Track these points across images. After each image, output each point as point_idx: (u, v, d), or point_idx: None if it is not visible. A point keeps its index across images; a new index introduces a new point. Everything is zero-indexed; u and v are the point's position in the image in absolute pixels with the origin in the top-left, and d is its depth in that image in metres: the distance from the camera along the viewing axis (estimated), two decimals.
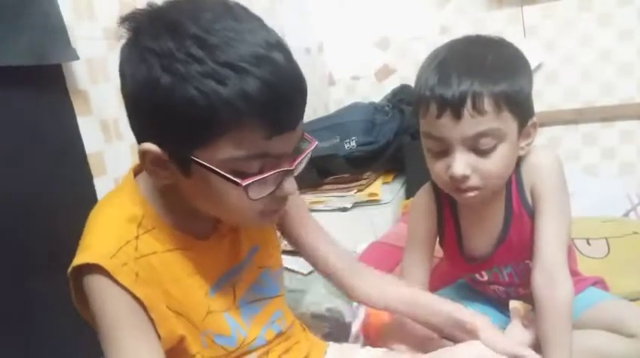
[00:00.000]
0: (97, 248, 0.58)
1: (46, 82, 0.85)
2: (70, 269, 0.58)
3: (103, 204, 0.65)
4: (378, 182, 1.69)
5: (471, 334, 0.76)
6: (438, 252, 0.99)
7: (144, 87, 0.54)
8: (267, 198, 0.59)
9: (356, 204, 1.60)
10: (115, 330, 0.58)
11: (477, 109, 0.74)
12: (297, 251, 0.86)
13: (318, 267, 0.85)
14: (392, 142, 1.69)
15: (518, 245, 0.87)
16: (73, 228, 0.62)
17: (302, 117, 0.59)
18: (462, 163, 0.77)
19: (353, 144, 1.63)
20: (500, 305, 0.98)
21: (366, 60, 2.11)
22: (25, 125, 0.81)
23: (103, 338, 0.58)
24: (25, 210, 0.79)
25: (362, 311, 1.05)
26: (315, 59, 2.09)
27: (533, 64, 1.26)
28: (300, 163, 0.62)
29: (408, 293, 0.84)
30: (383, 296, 0.84)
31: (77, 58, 0.87)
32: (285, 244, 0.87)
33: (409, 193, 1.69)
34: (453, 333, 0.79)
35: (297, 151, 0.62)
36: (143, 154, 0.58)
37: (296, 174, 0.62)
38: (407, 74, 2.02)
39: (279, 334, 0.78)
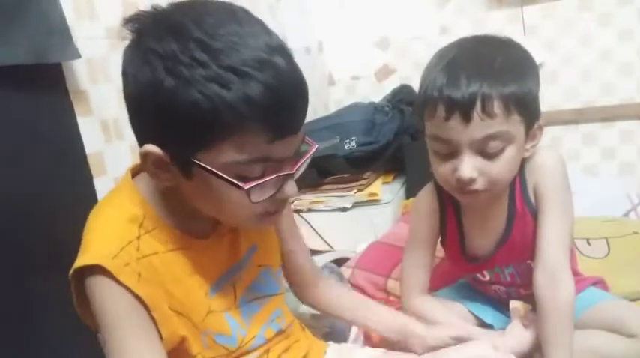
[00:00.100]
0: (99, 249, 0.58)
1: (46, 82, 0.85)
2: (71, 272, 0.58)
3: (102, 206, 0.65)
4: (378, 182, 1.69)
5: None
6: (439, 251, 0.99)
7: (147, 88, 0.54)
8: (267, 200, 0.60)
9: (356, 204, 1.60)
10: (117, 330, 0.58)
11: (487, 112, 0.73)
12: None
13: (288, 265, 0.87)
14: (392, 142, 1.69)
15: (520, 245, 0.87)
16: (73, 228, 0.62)
17: (303, 121, 0.59)
18: (469, 166, 0.76)
19: (353, 144, 1.63)
20: (500, 305, 0.98)
21: (366, 60, 2.11)
22: (25, 125, 0.81)
23: (106, 339, 0.58)
24: (25, 210, 0.79)
25: None
26: (315, 59, 2.09)
27: None
28: (301, 166, 0.63)
29: (355, 299, 0.94)
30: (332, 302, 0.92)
31: (79, 56, 0.86)
32: None
33: (409, 193, 1.69)
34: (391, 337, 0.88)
35: (298, 154, 0.62)
36: (145, 156, 0.58)
37: (296, 177, 0.62)
38: (407, 74, 2.03)
39: (279, 332, 0.78)
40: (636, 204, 1.54)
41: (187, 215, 0.65)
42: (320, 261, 1.33)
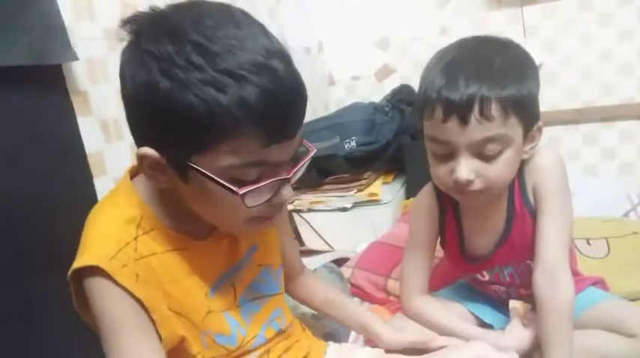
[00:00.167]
0: (96, 250, 0.58)
1: (46, 82, 0.85)
2: (69, 272, 0.58)
3: (100, 207, 0.65)
4: (378, 182, 1.69)
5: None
6: (439, 251, 0.99)
7: (143, 90, 0.54)
8: (263, 204, 0.59)
9: (356, 204, 1.60)
10: (116, 331, 0.58)
11: (485, 115, 0.72)
12: None
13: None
14: (392, 142, 1.69)
15: (519, 245, 0.87)
16: (72, 228, 0.62)
17: (301, 126, 0.59)
18: (466, 168, 0.76)
19: (353, 144, 1.63)
20: (500, 305, 0.98)
21: (366, 60, 2.11)
22: (25, 125, 0.81)
23: (105, 340, 0.58)
24: (25, 210, 0.79)
25: None
26: (315, 59, 2.09)
27: None
28: (298, 171, 0.62)
29: (327, 294, 0.95)
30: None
31: (76, 58, 0.87)
32: None
33: (409, 193, 1.70)
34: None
35: (296, 158, 0.62)
36: (141, 158, 0.58)
37: (293, 181, 0.62)
38: (407, 74, 2.03)
39: (279, 332, 0.78)
40: (636, 204, 1.54)
41: (185, 216, 0.65)
42: (320, 261, 1.33)
